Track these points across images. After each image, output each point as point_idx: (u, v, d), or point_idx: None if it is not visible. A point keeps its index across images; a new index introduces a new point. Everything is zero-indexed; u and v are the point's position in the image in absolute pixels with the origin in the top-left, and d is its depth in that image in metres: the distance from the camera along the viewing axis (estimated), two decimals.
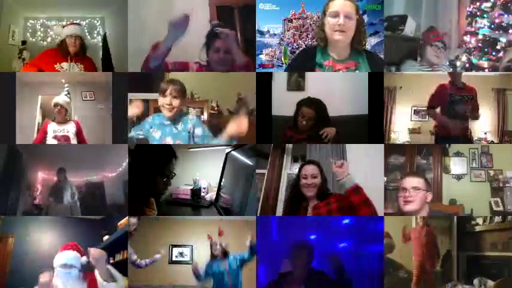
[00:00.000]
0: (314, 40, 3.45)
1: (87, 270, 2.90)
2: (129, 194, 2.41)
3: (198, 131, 3.06)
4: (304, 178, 2.91)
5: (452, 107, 3.72)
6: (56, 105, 3.68)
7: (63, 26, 3.85)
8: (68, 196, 4.20)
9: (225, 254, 3.53)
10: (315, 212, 2.88)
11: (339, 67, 3.02)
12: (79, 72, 3.67)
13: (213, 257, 3.55)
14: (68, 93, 3.77)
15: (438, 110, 3.82)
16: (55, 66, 3.67)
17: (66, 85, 3.79)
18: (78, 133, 3.65)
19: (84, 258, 2.95)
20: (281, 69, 3.59)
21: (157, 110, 3.84)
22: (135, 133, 3.13)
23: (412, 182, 2.75)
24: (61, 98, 3.69)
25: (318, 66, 3.03)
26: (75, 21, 3.89)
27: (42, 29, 4.29)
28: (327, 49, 3.03)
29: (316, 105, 3.33)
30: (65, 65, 3.68)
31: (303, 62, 3.13)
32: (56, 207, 4.16)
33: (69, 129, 3.64)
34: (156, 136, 3.06)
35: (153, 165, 2.32)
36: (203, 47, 3.27)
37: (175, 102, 3.00)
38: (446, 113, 3.75)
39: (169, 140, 3.05)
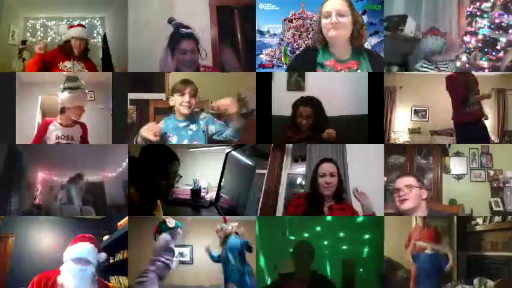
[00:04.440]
0: (312, 43, 3.46)
1: (100, 276, 2.60)
2: (141, 196, 2.38)
3: (212, 128, 3.09)
4: (322, 176, 2.91)
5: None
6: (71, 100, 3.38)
7: (70, 27, 3.80)
8: (79, 199, 4.22)
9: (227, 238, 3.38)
10: (331, 214, 2.89)
11: (340, 67, 3.01)
12: (79, 72, 3.66)
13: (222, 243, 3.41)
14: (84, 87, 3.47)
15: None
16: (59, 65, 3.64)
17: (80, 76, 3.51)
18: (83, 136, 3.49)
19: (102, 255, 2.63)
20: (281, 69, 3.60)
21: (158, 110, 3.88)
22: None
23: (404, 181, 2.80)
24: (77, 94, 3.38)
25: (320, 66, 3.02)
26: (81, 23, 3.87)
27: (42, 29, 4.29)
28: (328, 49, 3.03)
29: (312, 102, 3.33)
30: (68, 63, 3.66)
31: (304, 62, 3.12)
32: (66, 208, 4.18)
33: (74, 134, 3.44)
34: (173, 141, 3.07)
35: (154, 168, 2.33)
36: (167, 49, 3.30)
37: (193, 101, 3.04)
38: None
39: (186, 143, 3.07)
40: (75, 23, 3.87)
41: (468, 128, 3.82)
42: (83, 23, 4.23)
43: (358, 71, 3.03)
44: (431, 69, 3.83)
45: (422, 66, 3.85)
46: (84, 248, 2.50)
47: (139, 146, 2.98)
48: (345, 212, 2.93)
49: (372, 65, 3.04)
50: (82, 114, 3.47)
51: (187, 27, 3.30)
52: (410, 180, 2.78)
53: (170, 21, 3.33)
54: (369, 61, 3.04)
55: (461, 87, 3.77)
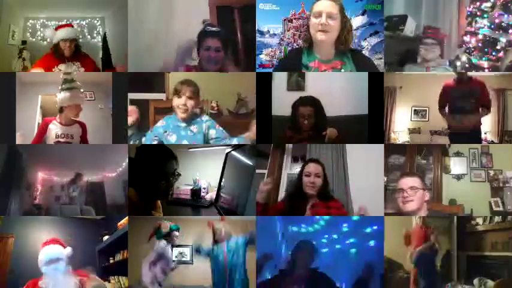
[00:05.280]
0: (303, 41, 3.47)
1: (75, 268, 2.84)
2: (141, 196, 2.39)
3: (212, 133, 3.09)
4: (307, 176, 2.93)
5: (455, 104, 3.79)
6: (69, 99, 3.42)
7: (56, 28, 3.75)
8: (81, 200, 4.28)
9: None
10: (313, 212, 2.89)
11: (325, 68, 3.04)
12: (79, 72, 3.65)
13: (216, 242, 3.38)
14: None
15: (447, 108, 3.90)
16: (53, 70, 3.64)
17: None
18: (83, 136, 3.52)
19: (68, 249, 2.89)
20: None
21: (158, 110, 3.88)
22: (148, 138, 3.11)
23: (408, 182, 2.82)
24: (74, 94, 3.42)
25: (304, 68, 3.05)
26: (68, 22, 3.85)
27: (42, 29, 4.28)
28: (312, 50, 3.04)
29: (311, 102, 3.34)
30: (62, 66, 3.65)
31: (290, 63, 3.16)
32: (66, 208, 4.21)
33: (74, 133, 3.49)
34: (172, 140, 3.07)
35: (152, 168, 2.31)
36: (194, 47, 3.33)
37: (190, 104, 3.03)
38: (451, 111, 3.83)
39: (185, 143, 3.08)
40: (61, 23, 3.84)
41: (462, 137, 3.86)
42: (83, 23, 4.24)
43: (342, 70, 3.04)
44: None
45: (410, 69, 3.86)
46: (50, 250, 2.83)
47: (135, 145, 2.99)
48: (331, 210, 2.92)
49: (356, 65, 3.05)
50: (79, 113, 3.49)
51: (213, 26, 3.35)
52: (415, 181, 2.81)
53: (203, 22, 3.39)
54: (353, 60, 3.05)
55: (446, 98, 3.85)
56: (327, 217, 3.10)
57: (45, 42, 4.29)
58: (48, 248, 2.85)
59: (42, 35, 4.27)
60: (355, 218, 3.23)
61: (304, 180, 2.93)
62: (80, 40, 3.92)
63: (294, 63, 3.09)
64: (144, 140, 3.13)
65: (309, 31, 2.99)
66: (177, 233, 3.40)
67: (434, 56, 3.74)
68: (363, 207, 2.93)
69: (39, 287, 2.72)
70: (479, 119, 3.82)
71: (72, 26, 3.79)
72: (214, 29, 3.34)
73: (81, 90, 3.50)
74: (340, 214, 2.90)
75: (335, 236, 3.40)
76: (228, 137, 3.08)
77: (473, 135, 3.85)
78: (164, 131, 3.09)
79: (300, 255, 2.96)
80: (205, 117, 3.15)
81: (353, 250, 3.39)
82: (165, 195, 2.46)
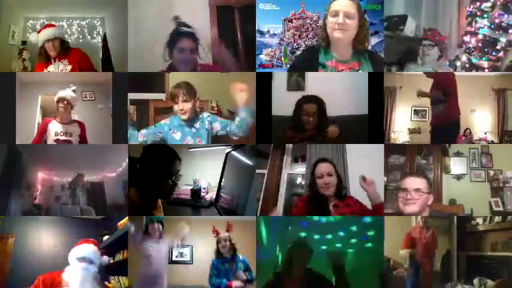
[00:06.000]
0: (315, 40, 3.46)
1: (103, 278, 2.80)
2: (143, 196, 2.40)
3: (217, 126, 3.11)
4: (320, 178, 2.89)
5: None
6: (60, 100, 3.48)
7: (39, 31, 3.70)
8: (83, 200, 4.28)
9: (233, 253, 3.34)
10: (337, 212, 2.87)
11: (342, 68, 3.03)
12: (79, 72, 3.64)
13: (219, 255, 3.34)
14: (74, 91, 3.55)
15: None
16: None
17: (72, 85, 3.58)
18: (82, 135, 3.55)
19: (105, 258, 2.87)
20: (281, 69, 3.59)
21: (158, 110, 3.88)
22: (150, 136, 3.13)
23: (414, 183, 2.69)
24: (67, 93, 3.49)
25: (321, 67, 3.04)
26: (50, 23, 3.82)
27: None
28: (329, 49, 3.04)
29: (315, 100, 3.34)
30: (50, 67, 3.62)
31: (306, 62, 3.14)
32: (66, 208, 4.22)
33: (73, 131, 3.52)
34: (177, 137, 3.10)
35: (158, 168, 2.33)
36: (165, 47, 3.24)
37: (187, 106, 3.04)
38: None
39: (189, 140, 3.11)
40: (43, 25, 3.82)
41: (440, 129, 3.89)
42: (83, 23, 4.23)
43: (360, 71, 3.04)
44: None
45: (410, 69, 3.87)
46: (87, 249, 2.72)
47: (140, 145, 3.00)
48: (352, 208, 2.91)
49: (373, 66, 3.05)
50: (70, 109, 3.52)
51: (188, 27, 3.26)
52: (422, 183, 2.69)
53: (175, 18, 3.29)
54: (370, 62, 3.05)
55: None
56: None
57: None
58: (87, 246, 2.75)
59: (28, 40, 4.23)
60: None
61: (318, 183, 2.89)
62: (80, 40, 3.92)
63: (310, 62, 3.07)
64: (145, 133, 3.14)
65: (325, 30, 2.97)
66: (154, 226, 3.35)
67: (430, 57, 3.75)
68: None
69: (63, 280, 2.61)
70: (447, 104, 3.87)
71: (54, 26, 3.73)
72: (189, 29, 3.24)
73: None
74: (363, 210, 2.88)
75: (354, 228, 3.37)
76: (232, 123, 3.07)
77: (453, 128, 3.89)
78: (169, 129, 3.10)
79: (296, 255, 2.95)
80: (206, 114, 3.19)
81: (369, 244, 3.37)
82: (169, 195, 2.47)
